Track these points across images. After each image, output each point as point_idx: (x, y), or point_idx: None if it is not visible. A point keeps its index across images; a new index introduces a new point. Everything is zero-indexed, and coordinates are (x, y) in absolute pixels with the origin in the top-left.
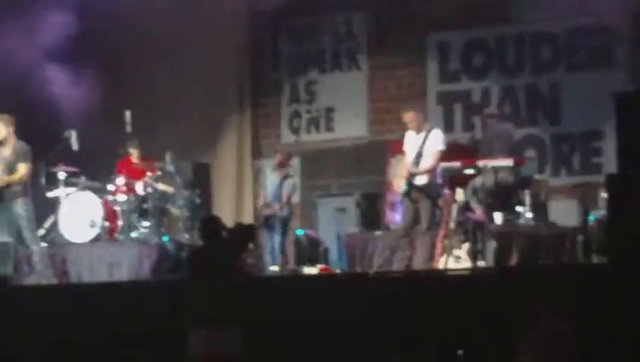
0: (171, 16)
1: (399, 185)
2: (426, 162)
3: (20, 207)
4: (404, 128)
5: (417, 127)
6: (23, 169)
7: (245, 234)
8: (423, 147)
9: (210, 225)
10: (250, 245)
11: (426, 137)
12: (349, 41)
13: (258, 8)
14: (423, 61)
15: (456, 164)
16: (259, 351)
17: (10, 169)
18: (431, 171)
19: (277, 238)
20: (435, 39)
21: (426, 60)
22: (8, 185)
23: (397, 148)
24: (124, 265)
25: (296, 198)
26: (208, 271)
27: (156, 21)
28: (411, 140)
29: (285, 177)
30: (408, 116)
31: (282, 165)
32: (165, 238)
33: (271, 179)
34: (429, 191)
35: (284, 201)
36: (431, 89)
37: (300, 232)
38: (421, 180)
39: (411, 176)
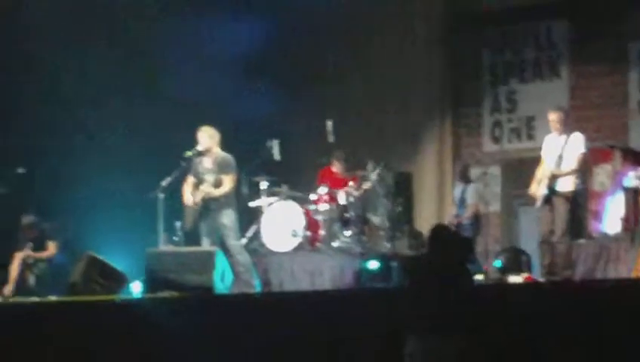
0: (369, 24)
1: (535, 189)
2: (568, 164)
3: (225, 217)
4: (605, 136)
5: (560, 128)
6: (228, 181)
7: (468, 245)
8: (564, 149)
9: (442, 233)
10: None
11: (567, 140)
12: (550, 49)
13: (460, 19)
14: (625, 69)
15: None
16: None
17: (216, 180)
18: (574, 174)
19: None
20: (637, 47)
21: (628, 69)
22: (214, 197)
23: (598, 156)
24: (326, 274)
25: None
26: (435, 278)
27: (353, 28)
28: (552, 143)
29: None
30: (554, 115)
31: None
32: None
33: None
34: (576, 197)
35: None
36: (632, 97)
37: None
38: (565, 186)
39: (554, 178)
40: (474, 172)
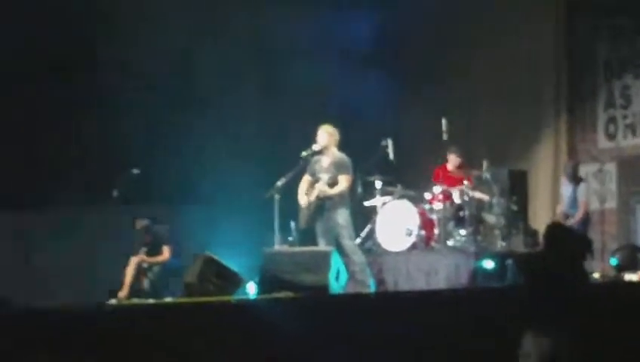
0: (486, 17)
1: None
2: None
3: (340, 217)
4: None
5: None
6: (344, 181)
7: (587, 244)
8: None
9: (558, 231)
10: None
11: None
12: None
13: (575, 13)
14: None
15: None
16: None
17: (332, 180)
18: None
19: None
20: None
21: None
22: (329, 196)
23: None
24: (442, 273)
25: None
26: (550, 277)
27: (468, 28)
28: None
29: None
30: None
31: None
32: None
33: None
34: None
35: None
36: None
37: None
38: None
39: None
40: (589, 168)
